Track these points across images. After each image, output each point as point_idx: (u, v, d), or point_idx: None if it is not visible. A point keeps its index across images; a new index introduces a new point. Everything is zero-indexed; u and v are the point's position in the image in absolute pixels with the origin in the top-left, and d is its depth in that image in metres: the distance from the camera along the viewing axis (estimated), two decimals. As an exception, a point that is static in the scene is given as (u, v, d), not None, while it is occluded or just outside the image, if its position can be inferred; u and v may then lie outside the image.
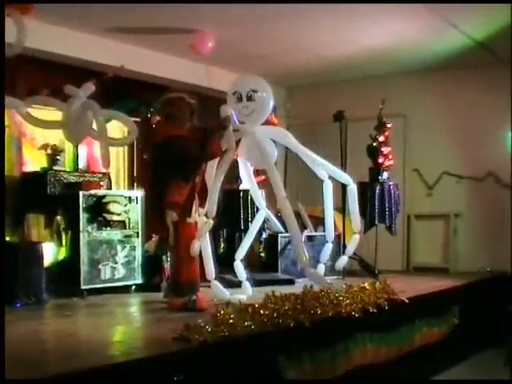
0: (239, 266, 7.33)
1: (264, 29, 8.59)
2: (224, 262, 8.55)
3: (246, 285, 7.24)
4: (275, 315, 5.16)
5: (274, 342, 5.07)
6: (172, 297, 6.55)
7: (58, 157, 8.07)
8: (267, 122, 7.38)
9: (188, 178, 6.60)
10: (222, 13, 7.93)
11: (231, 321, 4.80)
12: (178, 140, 6.56)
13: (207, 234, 6.63)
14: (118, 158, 9.71)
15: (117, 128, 8.10)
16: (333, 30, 8.72)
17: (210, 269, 6.66)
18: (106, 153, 7.00)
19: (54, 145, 8.07)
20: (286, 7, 7.72)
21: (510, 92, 9.65)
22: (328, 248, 7.83)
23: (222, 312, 4.90)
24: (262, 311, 5.12)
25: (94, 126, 6.98)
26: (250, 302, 5.53)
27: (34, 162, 8.50)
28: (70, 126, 6.73)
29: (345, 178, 7.55)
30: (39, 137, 8.50)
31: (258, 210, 8.77)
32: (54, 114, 7.36)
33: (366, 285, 6.52)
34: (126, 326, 5.76)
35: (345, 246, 9.28)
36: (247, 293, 7.02)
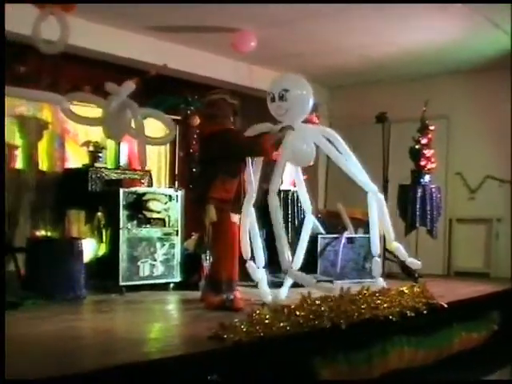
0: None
1: (306, 28, 8.57)
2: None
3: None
4: (311, 316, 5.14)
5: (310, 343, 5.04)
6: (209, 294, 6.54)
7: (100, 154, 8.14)
8: (307, 121, 7.31)
9: (235, 173, 6.59)
10: (265, 12, 7.93)
11: (267, 321, 4.79)
12: (222, 133, 6.52)
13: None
14: (160, 156, 9.77)
15: (158, 126, 8.10)
16: (376, 30, 8.67)
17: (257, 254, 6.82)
18: (143, 151, 7.04)
19: (96, 142, 8.15)
20: (328, 7, 7.69)
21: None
22: (376, 262, 7.36)
23: (258, 312, 4.89)
24: (298, 312, 5.09)
25: (133, 124, 7.02)
26: (286, 302, 5.51)
27: (76, 158, 8.59)
28: (109, 124, 6.78)
29: (371, 187, 7.19)
30: (82, 134, 8.59)
31: (298, 210, 8.82)
32: (94, 111, 7.41)
33: (404, 288, 6.45)
34: (162, 324, 5.79)
35: (385, 250, 9.26)
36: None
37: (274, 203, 6.38)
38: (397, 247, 7.27)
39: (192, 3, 7.45)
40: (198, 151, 7.94)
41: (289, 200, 8.70)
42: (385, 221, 7.20)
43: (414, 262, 7.34)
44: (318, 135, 6.86)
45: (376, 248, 7.29)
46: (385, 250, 9.22)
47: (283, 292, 6.80)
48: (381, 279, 7.08)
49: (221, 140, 6.45)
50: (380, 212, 7.10)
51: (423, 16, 8.09)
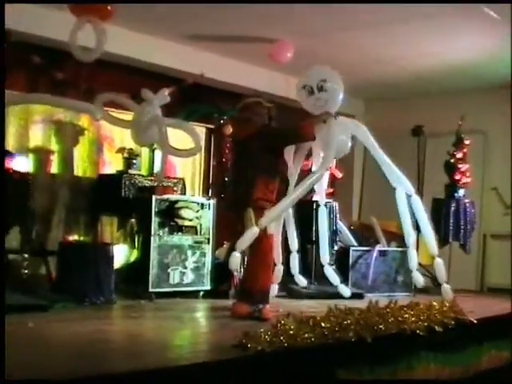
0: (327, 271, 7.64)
1: (343, 39, 8.58)
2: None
3: (343, 288, 7.61)
4: (337, 329, 5.13)
5: (334, 355, 5.02)
6: (239, 304, 6.52)
7: (134, 161, 8.22)
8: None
9: (275, 173, 6.59)
10: (302, 22, 7.95)
11: (291, 332, 4.79)
12: (261, 130, 6.52)
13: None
14: (195, 164, 9.83)
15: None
16: (412, 43, 8.66)
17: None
18: (163, 163, 7.09)
19: (131, 149, 8.22)
20: (365, 19, 7.70)
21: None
22: (412, 254, 7.46)
23: (283, 322, 4.90)
24: (323, 324, 5.08)
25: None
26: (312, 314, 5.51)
27: (111, 164, 8.69)
28: (138, 129, 6.83)
29: (407, 186, 7.27)
30: (117, 140, 8.68)
31: (333, 222, 8.81)
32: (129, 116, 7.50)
33: (433, 303, 6.42)
34: (188, 331, 5.84)
35: (418, 264, 9.21)
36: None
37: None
38: (437, 264, 7.20)
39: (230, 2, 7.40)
40: (232, 157, 7.92)
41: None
42: (423, 223, 7.28)
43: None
44: (355, 127, 6.86)
45: (410, 239, 7.37)
46: (417, 264, 9.21)
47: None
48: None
49: (260, 137, 6.46)
50: (418, 213, 7.23)
51: (461, 29, 8.06)
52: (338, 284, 7.77)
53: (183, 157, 8.34)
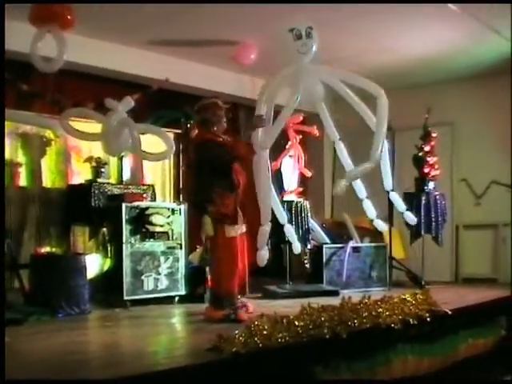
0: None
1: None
2: (269, 273, 8.60)
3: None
4: (311, 326, 5.14)
5: (310, 353, 5.04)
6: (210, 308, 6.54)
7: (103, 169, 8.19)
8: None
9: (232, 187, 6.53)
10: (264, 24, 7.95)
11: (265, 332, 4.79)
12: (203, 144, 6.51)
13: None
14: (164, 170, 9.81)
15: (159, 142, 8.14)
16: (377, 38, 8.68)
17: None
18: (140, 167, 7.09)
19: (98, 157, 8.20)
20: (325, 16, 7.71)
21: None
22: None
23: (256, 323, 4.90)
24: (297, 322, 5.09)
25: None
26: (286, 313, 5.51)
27: (80, 174, 8.66)
28: (107, 139, 6.83)
29: (374, 88, 7.38)
30: (85, 150, 8.65)
31: (304, 220, 8.84)
32: (95, 127, 7.47)
33: (406, 296, 6.45)
34: (164, 337, 5.81)
35: (392, 258, 9.27)
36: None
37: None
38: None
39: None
40: (189, 156, 7.89)
41: (293, 211, 8.68)
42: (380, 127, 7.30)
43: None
44: (328, 75, 6.94)
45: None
46: (391, 258, 9.26)
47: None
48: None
49: (202, 151, 6.46)
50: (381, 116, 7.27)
51: (424, 23, 8.11)
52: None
53: (156, 160, 8.35)
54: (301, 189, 9.14)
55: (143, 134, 7.23)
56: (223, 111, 6.70)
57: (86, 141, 7.91)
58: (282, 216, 8.00)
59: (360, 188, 8.59)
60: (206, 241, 6.73)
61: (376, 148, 7.09)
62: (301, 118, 9.09)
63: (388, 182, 8.35)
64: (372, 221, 8.84)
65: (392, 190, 8.40)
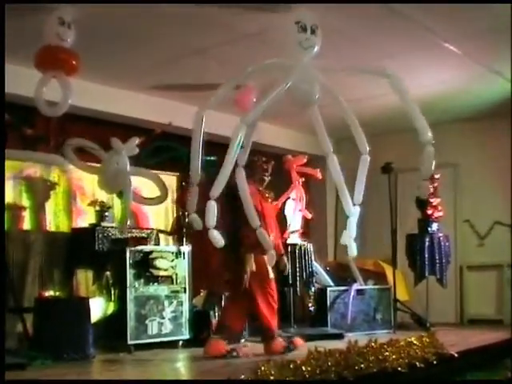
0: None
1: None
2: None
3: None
4: (318, 371, 5.12)
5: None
6: (272, 343, 6.74)
7: (107, 213, 8.18)
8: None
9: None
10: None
11: (272, 377, 4.77)
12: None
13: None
14: (167, 213, 9.81)
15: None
16: (378, 81, 8.71)
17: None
18: (128, 211, 7.09)
19: (102, 201, 8.20)
20: (327, 57, 7.76)
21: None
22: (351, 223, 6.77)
23: (263, 368, 4.87)
24: (304, 367, 5.07)
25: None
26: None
27: (84, 218, 8.67)
28: (105, 176, 6.84)
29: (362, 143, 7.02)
30: (89, 193, 8.67)
31: (308, 264, 8.80)
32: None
33: (413, 339, 6.43)
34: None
35: (396, 301, 9.23)
36: None
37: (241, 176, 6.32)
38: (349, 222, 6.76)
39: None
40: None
41: (296, 254, 8.66)
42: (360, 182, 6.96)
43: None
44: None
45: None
46: (395, 300, 9.23)
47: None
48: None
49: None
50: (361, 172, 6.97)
51: (425, 65, 8.18)
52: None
53: (151, 205, 8.36)
54: (301, 230, 9.12)
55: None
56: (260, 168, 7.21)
57: (86, 172, 7.91)
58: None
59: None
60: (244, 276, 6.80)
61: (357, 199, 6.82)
62: (304, 160, 9.12)
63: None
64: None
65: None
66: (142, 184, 8.26)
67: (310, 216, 9.32)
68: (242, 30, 7.07)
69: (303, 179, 9.17)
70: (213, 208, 6.06)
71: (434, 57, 7.92)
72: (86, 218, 8.67)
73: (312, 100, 6.51)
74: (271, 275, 7.01)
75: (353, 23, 6.97)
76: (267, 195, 7.41)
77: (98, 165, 7.57)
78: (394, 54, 7.73)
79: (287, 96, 6.33)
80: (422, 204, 9.60)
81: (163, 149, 8.92)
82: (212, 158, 7.98)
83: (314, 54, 6.40)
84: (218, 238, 6.05)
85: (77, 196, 8.82)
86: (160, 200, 7.82)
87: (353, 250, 6.62)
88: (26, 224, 8.28)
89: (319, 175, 9.12)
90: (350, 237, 6.59)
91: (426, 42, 7.44)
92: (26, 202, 8.32)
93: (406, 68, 8.26)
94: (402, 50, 7.63)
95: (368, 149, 6.91)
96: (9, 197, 8.13)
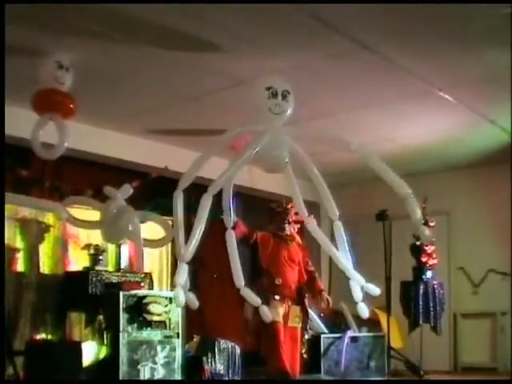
0: None
1: (305, 128, 8.64)
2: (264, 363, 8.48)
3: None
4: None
5: None
6: None
7: (101, 257, 8.15)
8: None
9: None
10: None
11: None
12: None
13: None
14: (162, 258, 9.78)
15: (157, 229, 8.15)
16: (371, 129, 8.78)
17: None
18: (139, 255, 7.07)
19: (97, 245, 8.16)
20: (323, 108, 7.83)
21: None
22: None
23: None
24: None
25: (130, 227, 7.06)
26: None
27: (79, 261, 8.63)
28: (106, 227, 6.84)
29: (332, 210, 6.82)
30: (83, 236, 8.64)
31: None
32: (95, 214, 7.49)
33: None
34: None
35: (390, 348, 9.17)
36: None
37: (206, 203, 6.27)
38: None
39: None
40: None
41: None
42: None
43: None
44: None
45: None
46: (389, 348, 9.18)
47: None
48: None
49: None
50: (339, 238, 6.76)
51: (420, 114, 8.24)
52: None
53: (155, 247, 8.35)
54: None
55: (142, 222, 7.23)
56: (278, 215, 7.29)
57: (84, 229, 7.92)
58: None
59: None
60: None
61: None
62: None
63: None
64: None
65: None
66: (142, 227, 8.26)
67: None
68: (236, 76, 7.12)
69: (298, 226, 9.17)
70: (183, 270, 6.03)
71: (426, 105, 7.97)
72: (78, 263, 8.64)
73: (281, 165, 6.49)
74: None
75: (339, 69, 7.03)
76: (290, 241, 7.43)
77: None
78: (394, 102, 7.78)
79: (257, 161, 6.44)
80: (417, 251, 9.61)
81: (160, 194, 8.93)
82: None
83: (285, 118, 6.41)
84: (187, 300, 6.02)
85: (69, 242, 8.77)
86: (164, 242, 7.83)
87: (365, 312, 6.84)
88: (20, 266, 8.24)
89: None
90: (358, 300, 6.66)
91: (417, 89, 7.48)
92: (19, 243, 8.29)
93: (404, 117, 8.35)
94: (396, 96, 7.67)
95: (338, 213, 6.74)
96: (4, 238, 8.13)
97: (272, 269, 7.07)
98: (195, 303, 5.97)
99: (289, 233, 7.40)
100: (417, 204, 6.45)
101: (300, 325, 7.16)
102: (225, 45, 6.34)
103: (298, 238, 7.51)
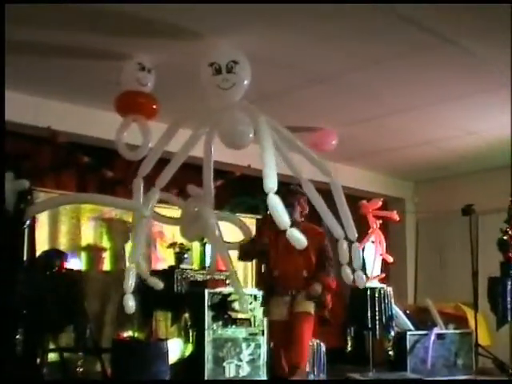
0: None
1: (388, 124, 8.58)
2: (351, 360, 8.47)
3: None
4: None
5: None
6: None
7: (185, 255, 8.24)
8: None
9: None
10: (345, 110, 8.01)
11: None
12: None
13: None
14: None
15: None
16: (456, 123, 8.64)
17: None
18: (214, 257, 7.09)
19: (182, 243, 8.25)
20: (407, 103, 7.74)
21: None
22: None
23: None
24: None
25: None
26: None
27: (166, 260, 8.74)
28: (185, 224, 6.86)
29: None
30: (169, 235, 8.75)
31: (386, 307, 8.69)
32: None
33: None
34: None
35: (477, 345, 9.02)
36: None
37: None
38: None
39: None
40: None
41: (376, 297, 8.57)
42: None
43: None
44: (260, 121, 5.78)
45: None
46: (477, 345, 9.03)
47: None
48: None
49: None
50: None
51: (501, 106, 8.04)
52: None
53: (233, 249, 8.35)
54: (383, 275, 9.05)
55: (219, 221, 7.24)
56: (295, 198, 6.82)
57: (166, 224, 8.00)
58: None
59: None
60: None
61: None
62: (380, 203, 9.07)
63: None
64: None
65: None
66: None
67: (391, 260, 9.26)
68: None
69: (381, 222, 9.12)
70: (131, 273, 6.05)
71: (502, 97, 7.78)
72: (165, 261, 8.75)
73: (243, 141, 5.88)
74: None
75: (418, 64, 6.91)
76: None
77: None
78: (474, 95, 7.63)
79: (220, 138, 6.00)
80: (504, 246, 9.40)
81: (243, 203, 8.98)
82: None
83: (240, 90, 5.91)
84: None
85: (155, 240, 8.89)
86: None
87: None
88: (106, 265, 8.39)
89: (396, 217, 9.05)
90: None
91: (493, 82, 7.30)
92: (106, 243, 8.45)
93: (483, 106, 8.14)
94: (472, 89, 7.50)
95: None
96: (89, 238, 8.29)
97: (271, 259, 6.83)
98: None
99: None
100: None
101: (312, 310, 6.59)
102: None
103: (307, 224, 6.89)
